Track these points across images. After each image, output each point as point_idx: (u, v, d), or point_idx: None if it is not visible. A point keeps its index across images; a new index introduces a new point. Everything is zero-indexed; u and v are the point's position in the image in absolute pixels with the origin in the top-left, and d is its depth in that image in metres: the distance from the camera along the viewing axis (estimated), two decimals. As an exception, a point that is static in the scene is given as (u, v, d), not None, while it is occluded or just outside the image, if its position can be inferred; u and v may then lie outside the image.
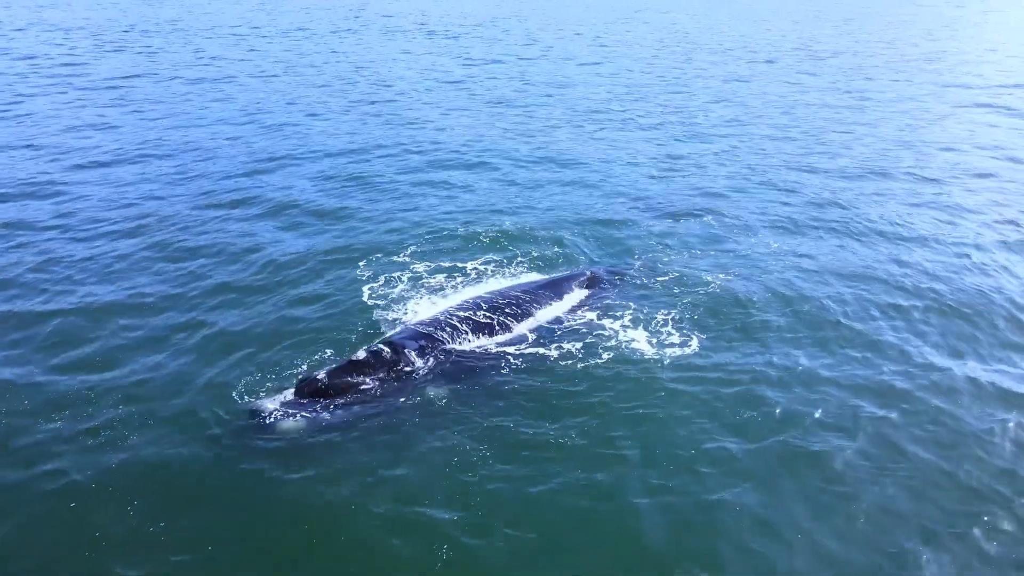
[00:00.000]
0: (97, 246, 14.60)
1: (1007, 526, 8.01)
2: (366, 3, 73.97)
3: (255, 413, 9.14)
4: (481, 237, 15.20)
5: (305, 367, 10.31)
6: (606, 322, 11.61)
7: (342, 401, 9.46)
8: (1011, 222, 16.63)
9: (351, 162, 20.72)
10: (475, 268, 13.65)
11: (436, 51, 43.52)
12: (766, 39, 51.32)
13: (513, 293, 11.90)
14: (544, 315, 11.62)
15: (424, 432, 9.15)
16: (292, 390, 9.51)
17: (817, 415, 9.60)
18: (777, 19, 67.32)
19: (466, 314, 11.09)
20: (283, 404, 9.29)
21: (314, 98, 29.20)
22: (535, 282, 12.54)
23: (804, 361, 10.81)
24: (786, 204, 17.73)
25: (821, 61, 41.98)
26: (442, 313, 11.25)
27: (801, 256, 14.60)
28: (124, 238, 15.01)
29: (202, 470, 8.59)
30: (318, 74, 34.77)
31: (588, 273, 13.24)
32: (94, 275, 13.33)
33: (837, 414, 9.68)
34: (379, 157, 21.29)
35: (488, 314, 11.21)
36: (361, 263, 13.86)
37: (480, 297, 11.80)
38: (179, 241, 14.86)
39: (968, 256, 14.60)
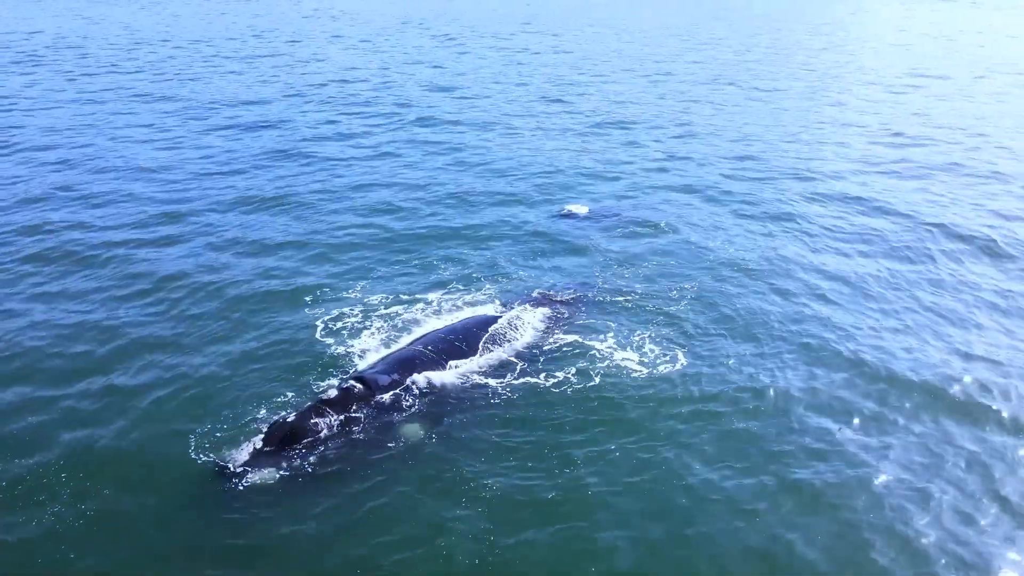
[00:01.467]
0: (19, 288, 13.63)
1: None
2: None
3: (224, 469, 8.63)
4: (427, 263, 15.00)
5: (263, 411, 9.83)
6: (567, 343, 11.65)
7: (314, 444, 9.07)
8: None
9: (286, 189, 20.03)
10: (425, 297, 13.39)
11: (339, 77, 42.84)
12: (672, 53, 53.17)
13: (474, 322, 11.78)
14: (509, 341, 11.52)
15: (401, 474, 8.85)
16: (261, 438, 9.04)
17: (796, 436, 9.71)
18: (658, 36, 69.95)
19: (433, 346, 10.87)
20: (252, 455, 8.82)
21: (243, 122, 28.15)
22: (486, 316, 12.30)
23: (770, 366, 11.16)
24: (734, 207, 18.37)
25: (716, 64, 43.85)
26: (409, 345, 11.00)
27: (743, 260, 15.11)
28: (51, 280, 14.03)
29: (175, 534, 8.04)
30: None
31: (539, 295, 13.30)
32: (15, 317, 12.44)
33: (816, 432, 9.78)
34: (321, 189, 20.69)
35: (454, 344, 11.03)
36: (308, 297, 13.39)
37: (443, 328, 11.61)
38: (115, 283, 13.97)
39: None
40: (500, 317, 11.98)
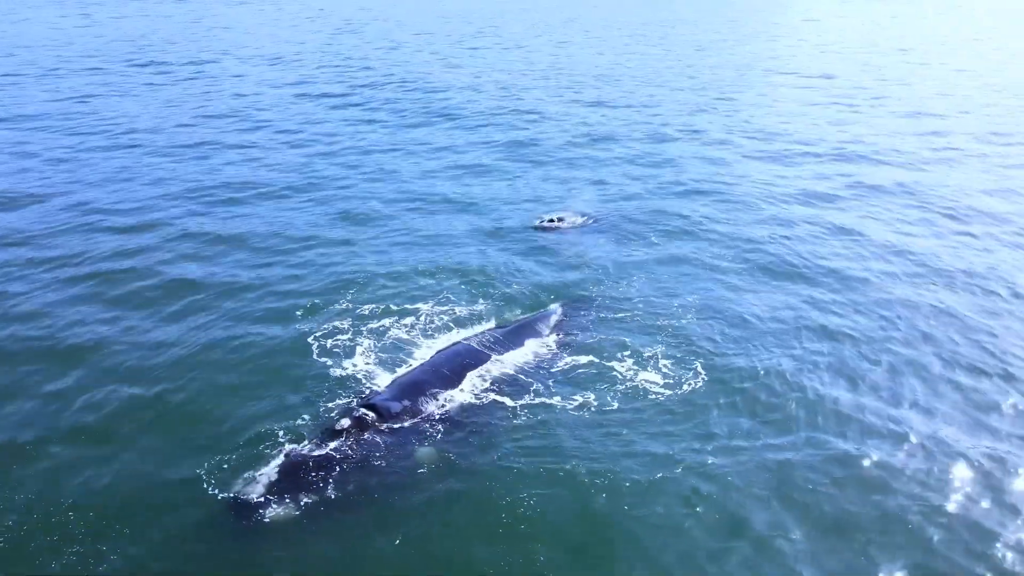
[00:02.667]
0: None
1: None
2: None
3: (241, 504, 8.45)
4: (409, 274, 14.94)
5: (271, 440, 9.65)
6: (580, 362, 11.64)
7: (329, 475, 8.96)
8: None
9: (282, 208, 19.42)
10: (418, 309, 13.32)
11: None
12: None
13: (488, 339, 11.79)
14: (522, 358, 11.58)
15: (417, 504, 8.83)
16: (276, 470, 8.89)
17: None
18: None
19: (441, 368, 10.85)
20: (268, 488, 8.66)
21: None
22: (508, 326, 12.41)
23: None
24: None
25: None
26: (418, 367, 10.96)
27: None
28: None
29: (194, 572, 7.86)
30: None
31: (558, 310, 13.33)
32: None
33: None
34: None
35: (466, 363, 11.06)
36: (299, 312, 13.19)
37: (456, 345, 11.60)
38: (101, 307, 13.40)
39: None
40: (503, 336, 12.01)
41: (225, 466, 9.17)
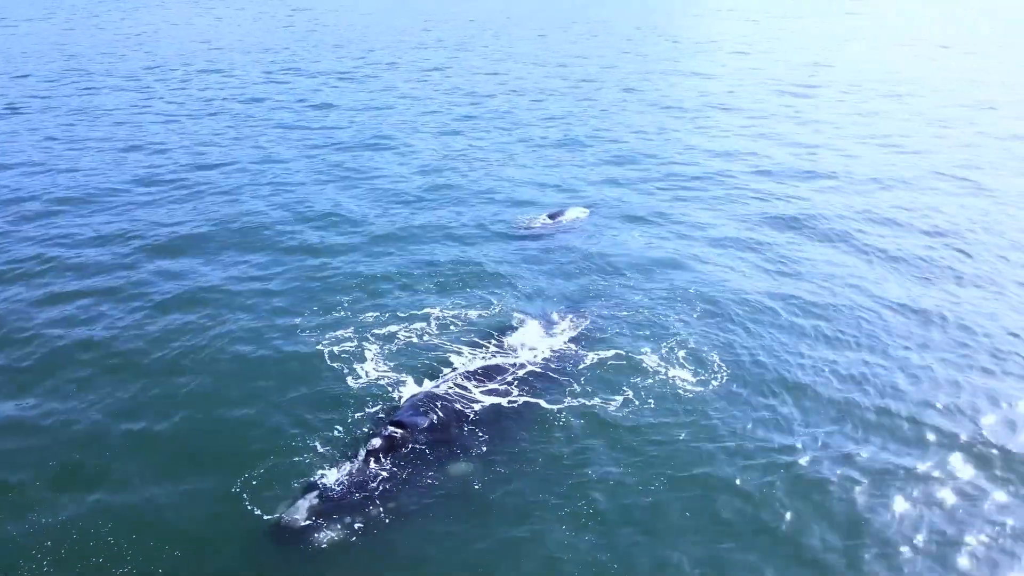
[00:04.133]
0: None
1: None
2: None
3: (284, 529, 8.36)
4: (409, 281, 14.80)
5: (305, 461, 9.52)
6: (603, 359, 11.76)
7: (367, 497, 8.90)
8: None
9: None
10: (422, 315, 13.25)
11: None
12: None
13: (498, 345, 11.85)
14: (538, 361, 11.66)
15: (455, 520, 8.83)
16: (315, 494, 8.78)
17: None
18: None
19: (463, 379, 10.87)
20: (310, 512, 8.57)
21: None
22: (514, 329, 12.49)
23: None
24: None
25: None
26: (440, 380, 10.96)
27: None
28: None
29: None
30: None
31: (564, 310, 13.44)
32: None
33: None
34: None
35: (485, 373, 11.09)
36: (298, 319, 12.96)
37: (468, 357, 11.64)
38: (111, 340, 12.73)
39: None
40: (522, 344, 12.07)
41: (262, 492, 8.99)
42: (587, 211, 18.73)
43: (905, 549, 8.63)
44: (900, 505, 9.25)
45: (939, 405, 11.15)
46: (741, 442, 10.18)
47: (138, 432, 10.11)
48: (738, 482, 9.46)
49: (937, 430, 10.58)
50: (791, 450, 10.07)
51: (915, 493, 9.47)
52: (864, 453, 10.11)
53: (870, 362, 12.19)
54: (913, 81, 37.69)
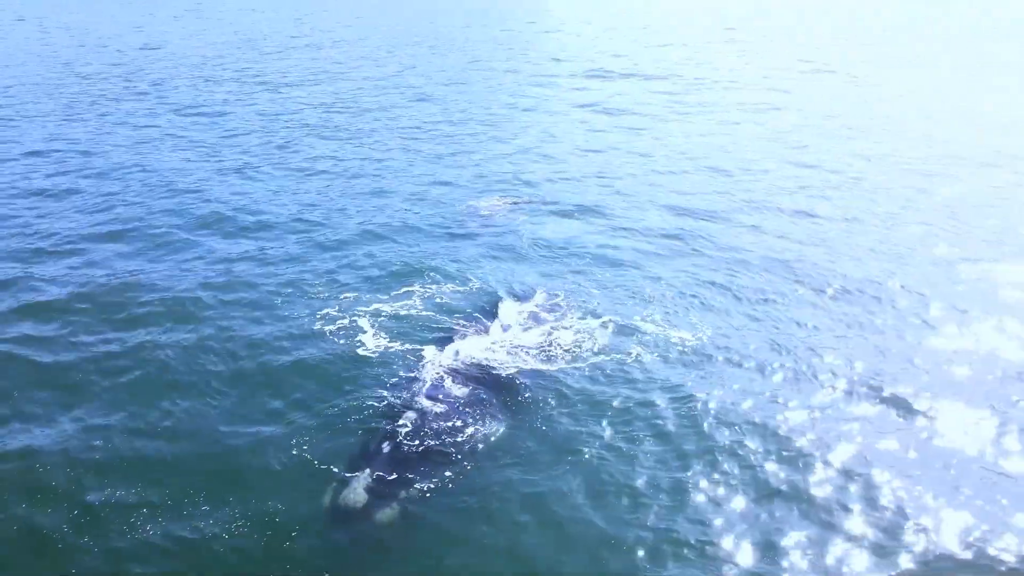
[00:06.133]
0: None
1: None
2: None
3: (349, 509, 8.06)
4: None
5: (347, 442, 9.23)
6: (576, 341, 11.71)
7: (416, 469, 8.72)
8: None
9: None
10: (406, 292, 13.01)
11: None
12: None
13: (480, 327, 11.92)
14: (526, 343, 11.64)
15: (497, 479, 8.81)
16: (364, 473, 8.48)
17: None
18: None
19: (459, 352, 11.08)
20: (368, 490, 8.28)
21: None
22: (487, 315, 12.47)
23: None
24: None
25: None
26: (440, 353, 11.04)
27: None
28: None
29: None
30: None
31: (532, 293, 13.40)
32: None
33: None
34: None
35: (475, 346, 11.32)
36: (300, 302, 12.42)
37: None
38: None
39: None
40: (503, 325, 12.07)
41: (307, 483, 8.57)
42: (517, 200, 18.72)
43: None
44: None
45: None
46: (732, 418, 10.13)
47: (172, 453, 9.25)
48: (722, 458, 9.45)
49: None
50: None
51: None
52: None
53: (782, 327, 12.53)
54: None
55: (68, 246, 15.03)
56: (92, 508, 8.16)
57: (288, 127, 25.82)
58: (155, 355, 11.01)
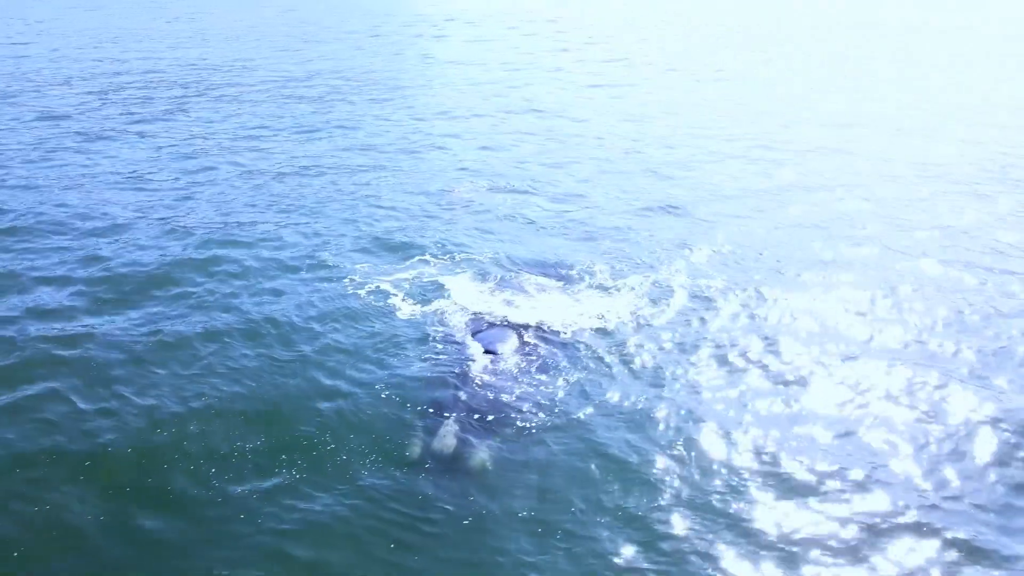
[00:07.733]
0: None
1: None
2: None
3: (441, 457, 8.07)
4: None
5: (425, 397, 9.23)
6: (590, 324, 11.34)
7: (498, 414, 8.87)
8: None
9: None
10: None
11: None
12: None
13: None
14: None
15: (580, 418, 8.93)
16: (452, 420, 8.50)
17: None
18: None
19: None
20: (456, 436, 8.29)
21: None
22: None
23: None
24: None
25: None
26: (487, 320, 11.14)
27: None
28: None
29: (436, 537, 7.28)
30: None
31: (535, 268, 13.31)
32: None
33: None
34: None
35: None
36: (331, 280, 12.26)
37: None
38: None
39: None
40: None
41: (397, 439, 8.52)
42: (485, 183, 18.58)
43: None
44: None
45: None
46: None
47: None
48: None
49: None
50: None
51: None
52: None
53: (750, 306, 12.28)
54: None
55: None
56: (191, 492, 7.79)
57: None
58: (214, 342, 10.56)
